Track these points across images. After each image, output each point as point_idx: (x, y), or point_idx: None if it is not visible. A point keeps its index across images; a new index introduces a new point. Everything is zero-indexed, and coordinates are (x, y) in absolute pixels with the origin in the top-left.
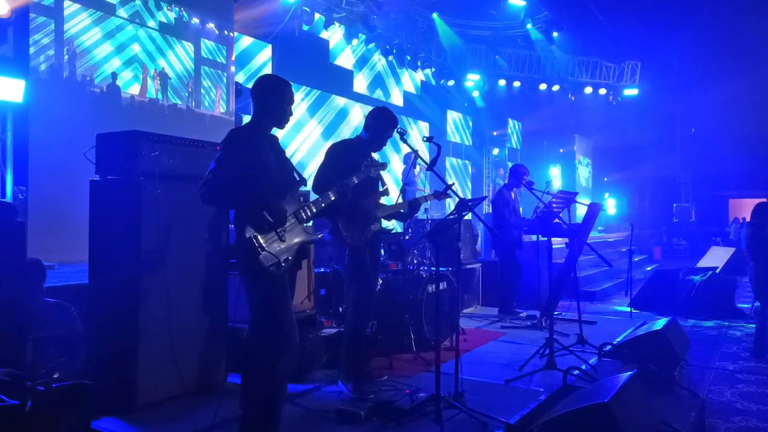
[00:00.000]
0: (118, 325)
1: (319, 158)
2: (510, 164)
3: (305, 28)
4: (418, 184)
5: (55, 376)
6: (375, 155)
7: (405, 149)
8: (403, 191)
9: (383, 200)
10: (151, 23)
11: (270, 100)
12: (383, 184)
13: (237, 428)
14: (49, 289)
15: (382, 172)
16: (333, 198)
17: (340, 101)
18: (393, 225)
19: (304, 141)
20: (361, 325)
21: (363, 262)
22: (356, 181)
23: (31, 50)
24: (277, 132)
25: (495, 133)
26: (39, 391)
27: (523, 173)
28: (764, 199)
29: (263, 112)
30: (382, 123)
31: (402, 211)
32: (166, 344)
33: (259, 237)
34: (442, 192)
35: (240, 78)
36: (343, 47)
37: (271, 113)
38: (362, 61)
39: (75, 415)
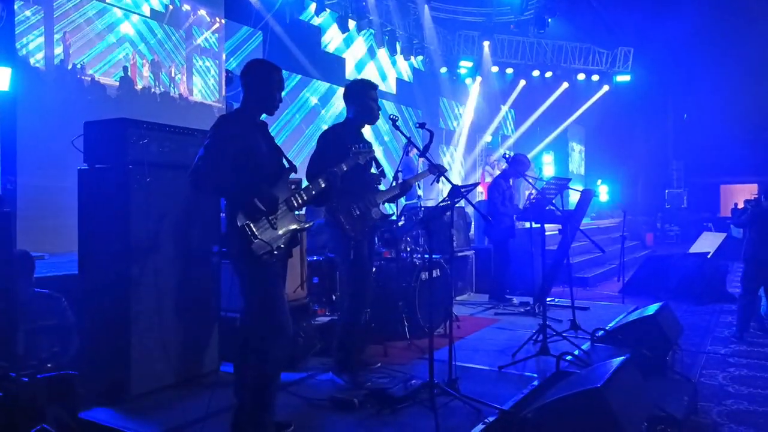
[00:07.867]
0: (109, 315)
1: (302, 144)
2: (502, 151)
3: (298, 15)
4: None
5: (48, 366)
6: (368, 130)
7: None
8: (396, 178)
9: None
10: (145, 7)
11: (259, 85)
12: (378, 165)
13: (231, 417)
14: (39, 280)
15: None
16: (323, 185)
17: (323, 86)
18: (393, 210)
19: (284, 126)
20: (356, 319)
21: (362, 254)
22: (345, 168)
23: (18, 35)
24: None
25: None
26: (24, 383)
27: (524, 164)
28: (755, 185)
29: (253, 98)
30: (357, 92)
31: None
32: (159, 334)
33: (252, 225)
34: (435, 177)
35: (231, 65)
36: (334, 34)
37: (260, 99)
38: (354, 48)
39: (61, 406)
